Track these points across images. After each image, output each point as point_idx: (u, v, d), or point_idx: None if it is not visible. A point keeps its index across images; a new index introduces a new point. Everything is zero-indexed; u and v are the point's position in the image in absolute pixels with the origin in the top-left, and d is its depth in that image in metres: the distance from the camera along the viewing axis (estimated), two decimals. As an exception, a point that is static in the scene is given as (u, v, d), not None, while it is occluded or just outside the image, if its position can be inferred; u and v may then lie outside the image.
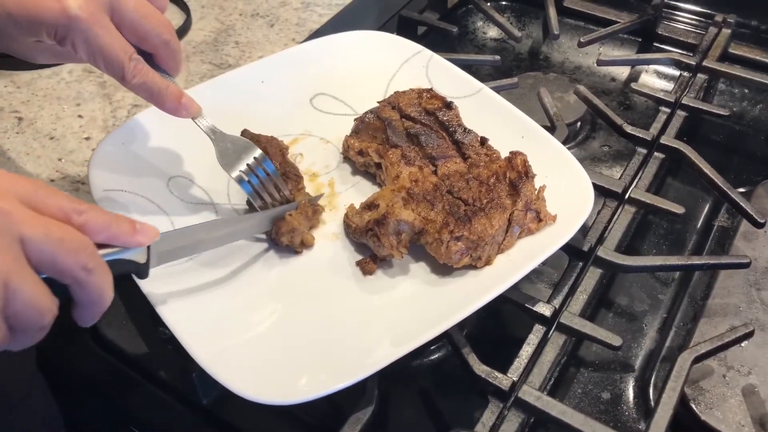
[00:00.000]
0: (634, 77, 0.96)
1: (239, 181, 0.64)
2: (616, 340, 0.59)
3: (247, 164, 0.63)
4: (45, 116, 0.85)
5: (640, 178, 0.76)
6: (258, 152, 0.65)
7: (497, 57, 0.88)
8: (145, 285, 0.55)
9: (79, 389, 0.66)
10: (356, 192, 0.72)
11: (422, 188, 0.64)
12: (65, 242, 0.40)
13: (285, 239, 0.65)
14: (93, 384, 0.64)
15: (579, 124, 0.91)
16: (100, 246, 0.45)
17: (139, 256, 0.49)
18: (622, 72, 0.97)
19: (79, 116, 0.86)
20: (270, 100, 0.78)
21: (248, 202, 0.68)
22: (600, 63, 0.93)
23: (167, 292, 0.57)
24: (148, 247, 0.50)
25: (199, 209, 0.68)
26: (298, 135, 0.78)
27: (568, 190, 0.66)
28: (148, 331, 0.64)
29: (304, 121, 0.78)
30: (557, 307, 0.63)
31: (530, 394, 0.55)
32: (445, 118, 0.71)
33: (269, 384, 0.51)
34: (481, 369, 0.57)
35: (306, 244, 0.65)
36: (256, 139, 0.69)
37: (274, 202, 0.64)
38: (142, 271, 0.51)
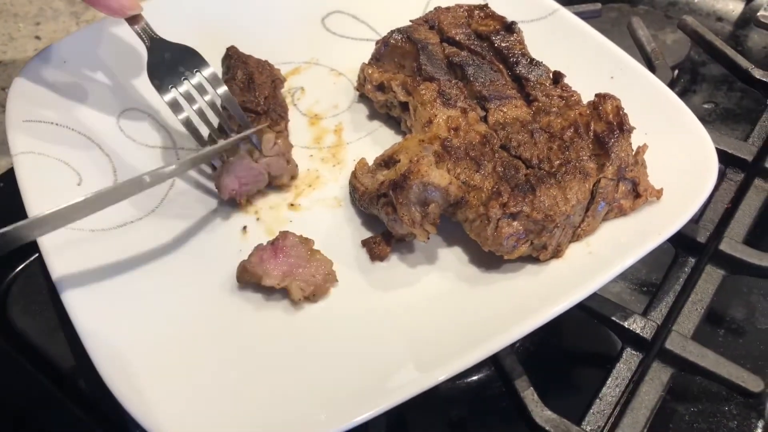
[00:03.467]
0: (749, 14, 0.86)
1: (174, 106, 0.55)
2: (754, 384, 0.50)
3: (186, 79, 0.55)
4: (-6, 35, 0.81)
5: (776, 143, 0.65)
6: (208, 69, 0.55)
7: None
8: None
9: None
10: (372, 143, 0.64)
11: (464, 140, 0.54)
12: None
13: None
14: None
15: (676, 72, 0.80)
16: None
17: None
18: (733, 9, 0.88)
19: (36, 37, 0.80)
20: (269, 15, 0.71)
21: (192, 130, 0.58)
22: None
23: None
24: None
25: (154, 156, 0.60)
26: (302, 63, 0.69)
27: (678, 152, 0.57)
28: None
29: (312, 46, 0.70)
30: (659, 323, 0.53)
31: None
32: (503, 45, 0.62)
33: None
34: (544, 417, 0.48)
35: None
36: (242, 61, 0.61)
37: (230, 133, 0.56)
38: None
